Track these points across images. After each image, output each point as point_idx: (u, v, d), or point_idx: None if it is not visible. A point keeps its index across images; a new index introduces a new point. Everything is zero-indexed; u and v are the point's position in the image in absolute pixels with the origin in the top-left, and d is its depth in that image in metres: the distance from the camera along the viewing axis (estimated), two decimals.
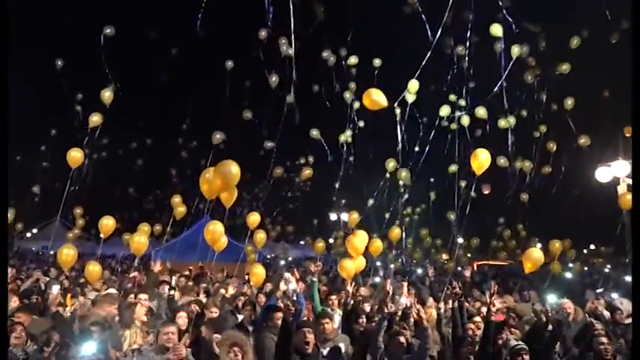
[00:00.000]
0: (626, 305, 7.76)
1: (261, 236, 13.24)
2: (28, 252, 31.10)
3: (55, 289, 7.86)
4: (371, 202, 21.13)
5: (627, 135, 16.25)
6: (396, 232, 14.66)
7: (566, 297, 8.45)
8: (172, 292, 8.25)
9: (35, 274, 11.22)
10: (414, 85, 13.22)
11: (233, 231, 18.33)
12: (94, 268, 8.56)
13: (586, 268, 20.37)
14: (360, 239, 9.90)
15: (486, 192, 23.04)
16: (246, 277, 11.79)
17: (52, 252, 21.31)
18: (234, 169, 6.91)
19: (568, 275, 17.16)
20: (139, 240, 9.91)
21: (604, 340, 5.18)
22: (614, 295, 9.07)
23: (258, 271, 9.40)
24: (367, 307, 7.87)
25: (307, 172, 18.41)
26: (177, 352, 4.40)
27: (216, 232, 9.38)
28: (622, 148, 14.58)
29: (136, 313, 6.02)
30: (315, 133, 18.87)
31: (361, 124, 18.32)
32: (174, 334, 4.82)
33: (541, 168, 20.38)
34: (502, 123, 16.33)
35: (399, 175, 16.89)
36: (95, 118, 12.17)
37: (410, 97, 13.35)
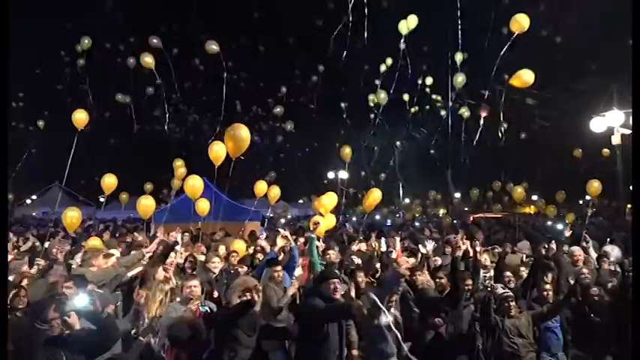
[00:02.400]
0: (616, 252, 8.00)
1: (276, 192, 13.40)
2: (29, 218, 31.34)
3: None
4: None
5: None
6: None
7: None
8: (177, 247, 8.37)
9: (30, 239, 11.40)
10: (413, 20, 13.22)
11: (234, 192, 18.50)
12: (94, 243, 8.60)
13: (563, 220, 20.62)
14: (329, 198, 10.16)
15: (484, 114, 22.86)
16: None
17: (53, 217, 21.49)
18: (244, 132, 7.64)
19: (559, 226, 17.45)
20: (146, 203, 10.19)
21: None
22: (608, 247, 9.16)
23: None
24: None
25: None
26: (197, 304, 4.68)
27: (195, 186, 10.15)
28: (616, 98, 14.60)
29: (158, 274, 6.12)
30: None
31: None
32: (197, 287, 5.12)
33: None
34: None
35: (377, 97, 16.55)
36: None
37: (404, 30, 13.27)
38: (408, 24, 13.23)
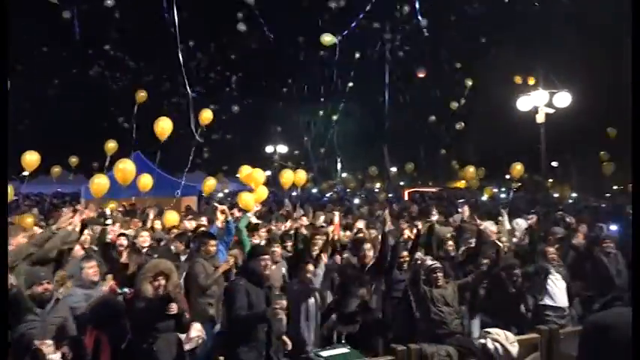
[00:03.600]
0: (523, 225, 8.54)
1: (209, 184, 13.31)
2: None
3: None
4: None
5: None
6: None
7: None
8: (108, 221, 8.10)
9: None
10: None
11: (168, 165, 18.02)
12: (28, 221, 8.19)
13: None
14: (259, 172, 10.25)
15: (421, 75, 23.51)
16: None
17: None
18: None
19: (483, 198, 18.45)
20: (100, 182, 9.71)
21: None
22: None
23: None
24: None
25: None
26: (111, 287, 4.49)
27: (126, 170, 9.63)
28: (542, 79, 15.41)
29: (74, 252, 5.92)
30: None
31: None
32: (94, 267, 4.88)
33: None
34: None
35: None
36: None
37: None
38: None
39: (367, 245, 6.10)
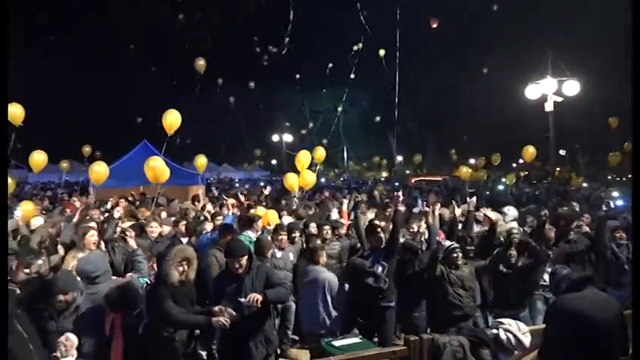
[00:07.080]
0: (512, 212, 8.37)
1: (201, 161, 13.25)
2: None
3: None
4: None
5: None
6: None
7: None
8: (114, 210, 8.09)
9: None
10: None
11: (175, 154, 18.04)
12: (26, 207, 7.96)
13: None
14: (305, 155, 10.18)
15: (434, 25, 23.31)
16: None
17: None
18: None
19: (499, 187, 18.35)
20: (99, 170, 9.81)
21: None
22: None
23: None
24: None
25: None
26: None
27: (157, 168, 9.23)
28: (550, 66, 15.23)
29: (85, 239, 5.92)
30: None
31: None
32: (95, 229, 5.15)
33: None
34: None
35: None
36: None
37: None
38: None
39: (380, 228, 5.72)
